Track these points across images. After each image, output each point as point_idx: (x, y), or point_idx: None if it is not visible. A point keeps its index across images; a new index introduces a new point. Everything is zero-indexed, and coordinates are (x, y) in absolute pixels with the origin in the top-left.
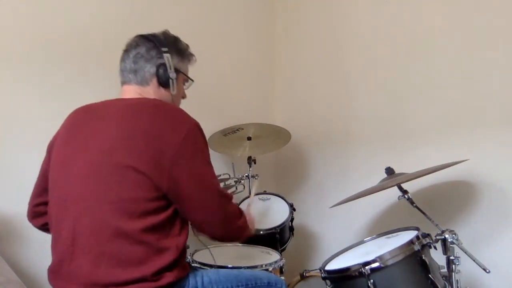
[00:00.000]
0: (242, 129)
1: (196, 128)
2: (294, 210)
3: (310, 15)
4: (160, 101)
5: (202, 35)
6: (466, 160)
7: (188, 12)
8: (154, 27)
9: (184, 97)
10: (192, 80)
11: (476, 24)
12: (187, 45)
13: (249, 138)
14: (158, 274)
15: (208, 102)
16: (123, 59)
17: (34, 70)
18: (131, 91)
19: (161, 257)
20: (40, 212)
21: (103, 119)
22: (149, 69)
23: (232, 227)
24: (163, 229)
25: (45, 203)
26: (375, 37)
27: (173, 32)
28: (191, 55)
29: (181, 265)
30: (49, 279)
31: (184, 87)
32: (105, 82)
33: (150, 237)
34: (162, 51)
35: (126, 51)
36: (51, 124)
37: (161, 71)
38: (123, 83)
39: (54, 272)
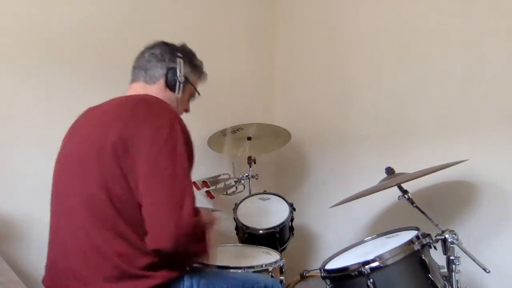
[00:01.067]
0: (242, 129)
1: (174, 118)
2: (294, 210)
3: (310, 15)
4: (150, 96)
5: (202, 36)
6: (466, 160)
7: (189, 13)
8: (154, 28)
9: (187, 110)
10: (199, 94)
11: (476, 23)
12: (202, 63)
13: (249, 138)
14: (145, 271)
15: (208, 102)
16: (137, 58)
17: (34, 70)
18: (136, 88)
19: (145, 255)
20: None
21: (92, 119)
22: (159, 69)
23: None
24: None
25: None
26: (375, 37)
27: (173, 32)
28: (204, 72)
29: (171, 265)
30: (44, 281)
31: (191, 100)
32: (105, 82)
33: (129, 233)
34: (176, 55)
35: (143, 52)
36: (51, 124)
37: (170, 73)
38: (132, 81)
39: (48, 271)
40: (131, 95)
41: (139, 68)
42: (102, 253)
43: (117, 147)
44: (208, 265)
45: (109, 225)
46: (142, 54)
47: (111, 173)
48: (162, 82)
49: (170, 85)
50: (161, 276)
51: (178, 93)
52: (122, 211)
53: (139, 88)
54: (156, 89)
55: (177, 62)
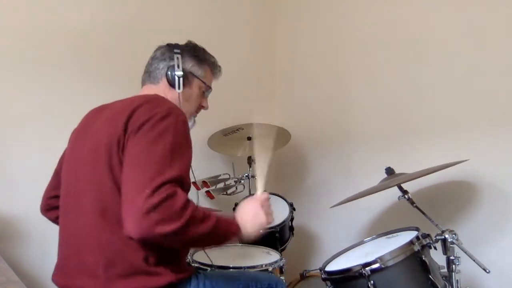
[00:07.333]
0: (242, 129)
1: (170, 109)
2: (294, 209)
3: (311, 15)
4: (156, 96)
5: (202, 35)
6: (466, 160)
7: (188, 12)
8: (154, 27)
9: (204, 107)
10: (210, 87)
11: (476, 23)
12: (213, 57)
13: (249, 138)
14: (156, 268)
15: (208, 102)
16: (145, 66)
17: (35, 71)
18: (144, 91)
19: (158, 252)
20: (53, 206)
21: (101, 117)
22: (161, 70)
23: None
24: None
25: (59, 197)
26: (375, 37)
27: (172, 31)
28: (214, 65)
29: (181, 264)
30: (54, 277)
31: (204, 95)
32: (105, 81)
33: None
34: (174, 52)
35: (149, 59)
36: (51, 124)
37: (170, 70)
38: (142, 85)
39: (59, 268)
40: (138, 95)
41: (145, 72)
42: (114, 249)
43: (120, 142)
44: (209, 266)
45: (119, 220)
46: (148, 61)
47: (118, 168)
48: (165, 80)
49: (171, 83)
50: (170, 275)
51: (179, 88)
52: None
53: (146, 90)
54: (161, 89)
55: (174, 57)
